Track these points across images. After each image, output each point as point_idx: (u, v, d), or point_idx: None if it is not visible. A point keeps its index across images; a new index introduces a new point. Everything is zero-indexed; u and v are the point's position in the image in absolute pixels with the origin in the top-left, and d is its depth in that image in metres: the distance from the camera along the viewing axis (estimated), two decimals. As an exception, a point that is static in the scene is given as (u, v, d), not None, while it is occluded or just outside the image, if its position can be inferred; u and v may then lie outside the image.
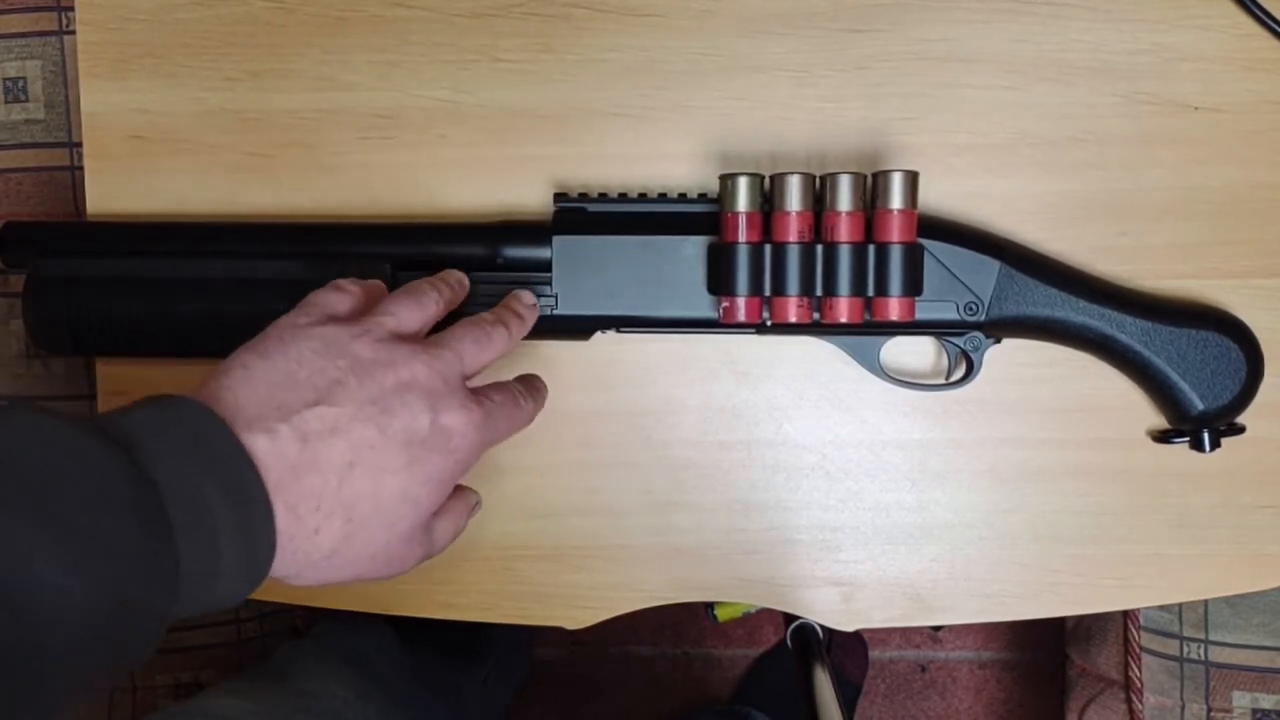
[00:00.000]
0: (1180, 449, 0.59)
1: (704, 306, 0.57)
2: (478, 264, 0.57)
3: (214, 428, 0.40)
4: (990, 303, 0.56)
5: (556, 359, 0.61)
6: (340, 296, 0.48)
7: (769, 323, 0.56)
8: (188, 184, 0.61)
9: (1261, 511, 0.61)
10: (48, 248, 0.57)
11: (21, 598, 0.32)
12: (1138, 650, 0.79)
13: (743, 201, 0.54)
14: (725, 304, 0.55)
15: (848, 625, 0.62)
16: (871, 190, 0.54)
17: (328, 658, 0.75)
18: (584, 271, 0.57)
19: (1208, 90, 0.59)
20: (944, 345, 0.60)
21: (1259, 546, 0.61)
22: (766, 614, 1.25)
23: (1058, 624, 0.99)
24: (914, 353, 0.61)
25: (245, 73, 0.61)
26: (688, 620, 1.27)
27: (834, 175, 0.54)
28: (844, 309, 0.54)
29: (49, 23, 0.73)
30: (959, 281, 0.56)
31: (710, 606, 1.25)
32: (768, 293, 0.55)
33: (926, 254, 0.55)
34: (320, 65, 0.61)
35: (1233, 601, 0.76)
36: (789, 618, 1.21)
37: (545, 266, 0.57)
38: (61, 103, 0.73)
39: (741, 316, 0.55)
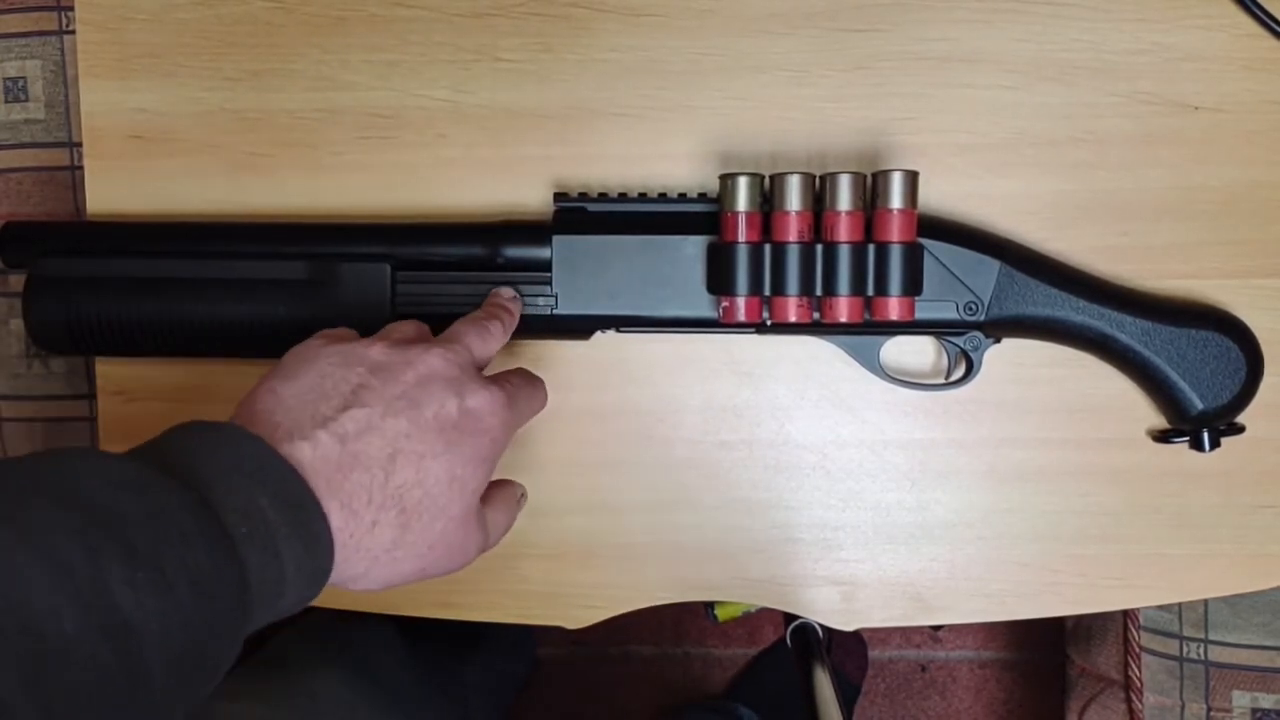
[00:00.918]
0: (1180, 449, 0.59)
1: (704, 306, 0.57)
2: (478, 264, 0.57)
3: (256, 446, 0.42)
4: (990, 302, 0.56)
5: (557, 359, 0.61)
6: (342, 330, 0.50)
7: (769, 322, 0.56)
8: (187, 184, 0.61)
9: (1261, 511, 0.61)
10: (48, 247, 0.57)
11: (130, 635, 0.34)
12: (1138, 650, 0.79)
13: (743, 201, 0.54)
14: (725, 304, 0.55)
15: (848, 625, 0.62)
16: (871, 190, 0.54)
17: (331, 656, 0.75)
18: (584, 271, 0.57)
19: (1208, 90, 0.59)
20: (944, 345, 0.60)
21: (1259, 546, 0.61)
22: (766, 613, 1.25)
23: (1058, 624, 0.99)
24: (914, 352, 0.61)
25: (245, 72, 0.61)
26: (688, 620, 1.27)
27: (834, 175, 0.54)
28: (844, 309, 0.54)
29: (49, 22, 0.73)
30: (959, 281, 0.56)
31: (710, 606, 1.25)
32: (768, 292, 0.54)
33: (926, 254, 0.55)
34: (320, 65, 0.61)
35: (1232, 601, 0.76)
36: (789, 617, 1.22)
37: (545, 266, 0.57)
38: (61, 102, 0.73)
39: (741, 316, 0.55)
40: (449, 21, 0.60)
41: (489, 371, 0.51)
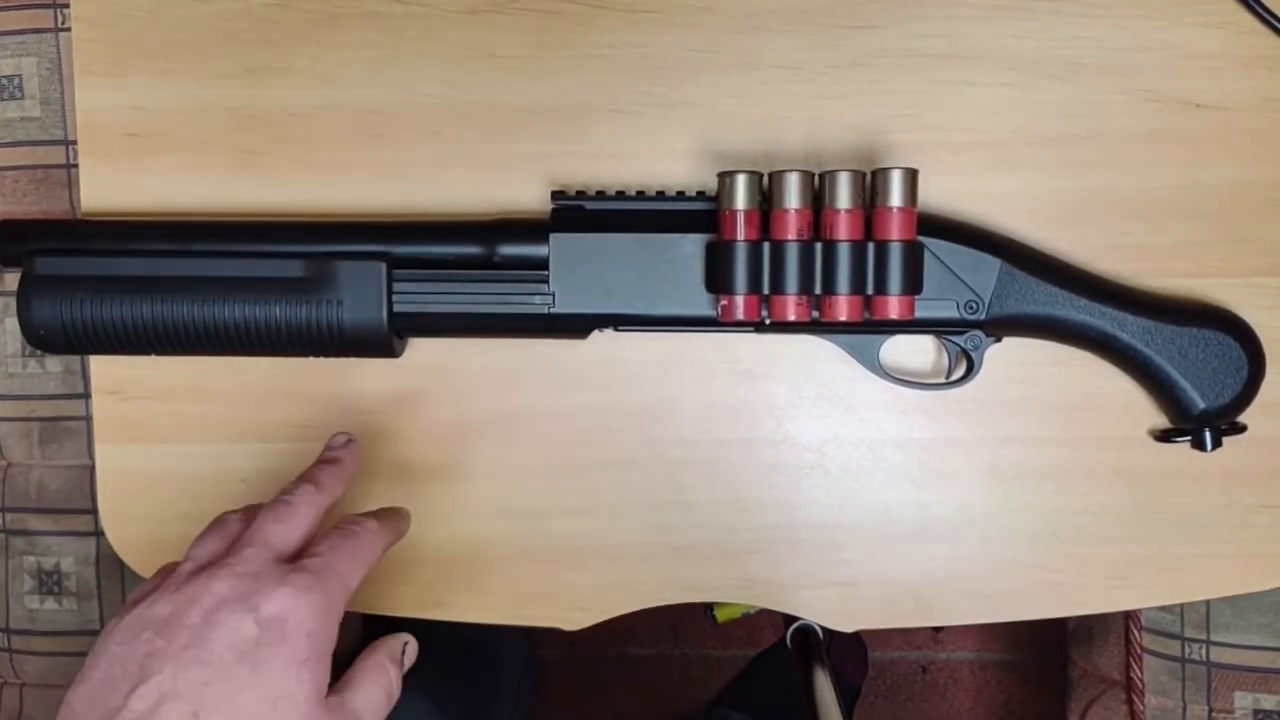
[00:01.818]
0: (1182, 448, 0.59)
1: (702, 305, 0.56)
2: (474, 262, 0.57)
3: None
4: (991, 301, 0.56)
5: (554, 358, 0.61)
6: (153, 579, 0.49)
7: (768, 321, 0.55)
8: (183, 181, 0.61)
9: (1263, 511, 0.60)
10: (43, 246, 0.57)
11: None
12: (1139, 651, 0.79)
13: (741, 199, 0.54)
14: (724, 302, 0.55)
15: (848, 626, 0.62)
16: (871, 188, 0.54)
17: None
18: (581, 269, 0.56)
19: (1210, 88, 0.59)
20: (944, 344, 0.60)
21: (1261, 546, 0.60)
22: (766, 615, 1.25)
23: (1059, 624, 0.99)
24: (914, 351, 0.61)
25: (241, 70, 0.61)
26: (687, 621, 1.27)
27: (833, 173, 0.53)
28: (843, 307, 0.54)
29: (44, 20, 0.73)
30: (959, 280, 0.56)
31: (709, 607, 1.25)
32: (766, 291, 0.54)
33: (926, 252, 0.55)
34: (316, 62, 0.60)
35: (1234, 602, 0.76)
36: (788, 619, 1.21)
37: (542, 264, 0.56)
38: (57, 100, 0.73)
39: (740, 315, 0.54)
40: (445, 18, 0.60)
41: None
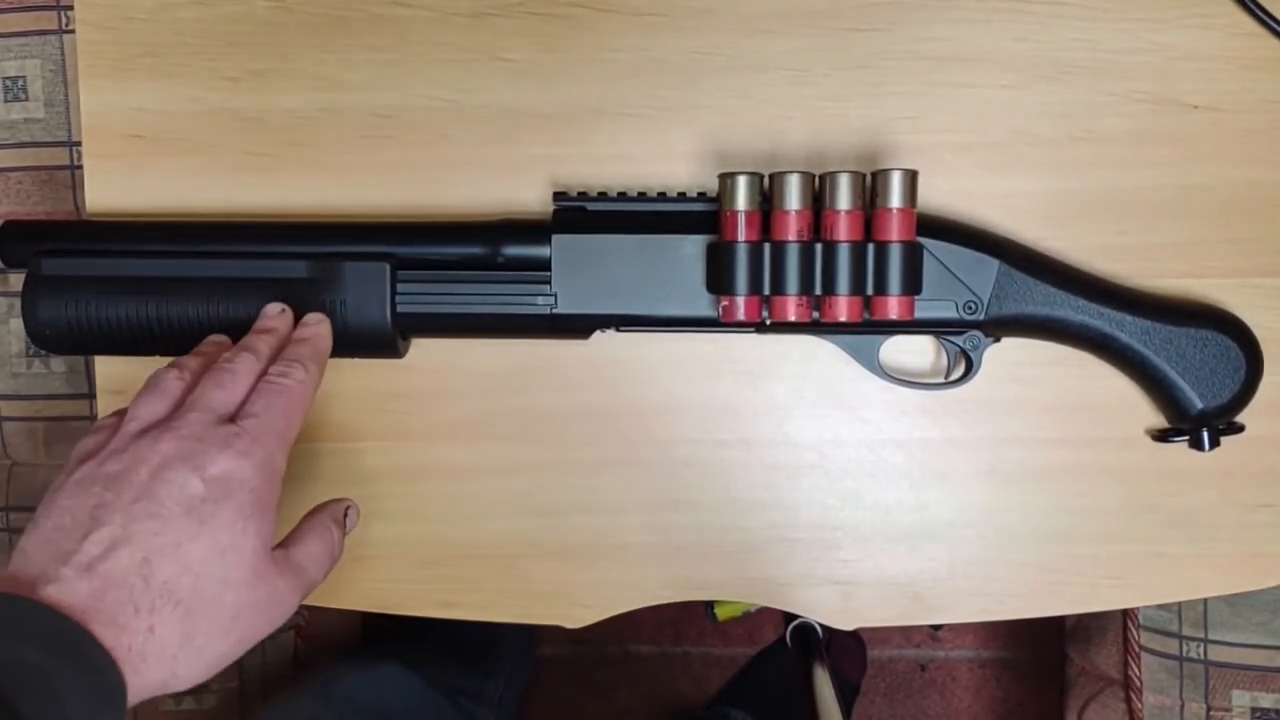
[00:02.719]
0: (1179, 448, 0.59)
1: (704, 305, 0.57)
2: (478, 263, 0.57)
3: (13, 602, 0.43)
4: (989, 301, 0.56)
5: (556, 358, 0.61)
6: (95, 436, 0.50)
7: (768, 321, 0.56)
8: (187, 183, 0.61)
9: (1261, 510, 0.61)
10: (47, 247, 0.57)
11: None
12: (1137, 649, 0.79)
13: (742, 200, 0.54)
14: (725, 303, 0.55)
15: (847, 624, 0.63)
16: (871, 189, 0.54)
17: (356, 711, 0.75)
18: (584, 270, 0.57)
19: (1206, 89, 0.59)
20: (943, 344, 0.60)
21: (1258, 545, 0.61)
22: (766, 613, 1.26)
23: (1057, 623, 0.99)
24: (913, 352, 0.61)
25: (245, 72, 0.61)
26: (688, 619, 1.28)
27: (833, 174, 0.54)
28: (843, 308, 0.54)
29: (49, 22, 0.73)
30: (958, 280, 0.56)
31: (710, 605, 1.25)
32: (767, 291, 0.55)
33: (926, 253, 0.55)
34: (320, 64, 0.61)
35: (1232, 600, 0.76)
36: (788, 617, 1.22)
37: (545, 265, 0.57)
38: (61, 101, 0.73)
39: (741, 315, 0.55)
40: (449, 21, 0.60)
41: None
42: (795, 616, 1.18)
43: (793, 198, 0.54)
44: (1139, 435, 0.61)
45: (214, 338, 0.55)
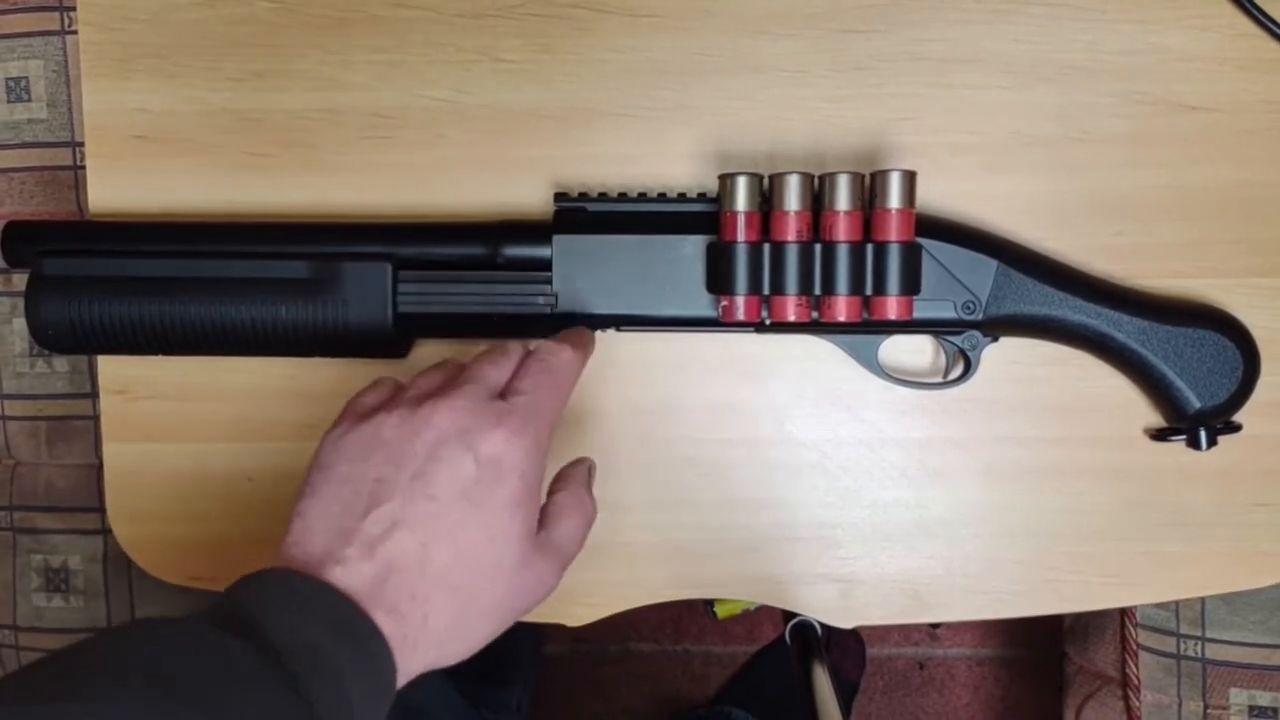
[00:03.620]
0: (1177, 447, 0.59)
1: (703, 305, 0.57)
2: (478, 263, 0.57)
3: (299, 580, 0.42)
4: (988, 301, 0.57)
5: (557, 357, 0.61)
6: (374, 392, 0.50)
7: (768, 321, 0.56)
8: (189, 183, 0.61)
9: (1258, 509, 0.61)
10: (50, 247, 0.58)
11: None
12: (1135, 647, 0.79)
13: (742, 201, 0.54)
14: (724, 303, 0.55)
15: (846, 622, 0.63)
16: (870, 189, 0.54)
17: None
18: (584, 270, 0.57)
19: (1204, 90, 0.59)
20: (942, 344, 0.60)
21: (1256, 544, 0.61)
22: (766, 611, 1.26)
23: (1055, 621, 0.99)
24: (912, 351, 0.61)
25: (247, 73, 0.61)
26: (688, 617, 1.28)
27: (832, 175, 0.54)
28: (842, 308, 0.54)
29: (51, 22, 0.73)
30: (957, 280, 0.56)
31: (710, 603, 1.26)
32: (767, 291, 0.55)
33: (924, 253, 0.56)
34: (321, 65, 0.61)
35: (1229, 599, 0.76)
36: (788, 615, 1.22)
37: (545, 265, 0.57)
38: (64, 102, 0.74)
39: (741, 315, 0.55)
40: (450, 22, 0.60)
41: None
42: (794, 615, 1.19)
43: (792, 198, 0.54)
44: (1137, 435, 0.61)
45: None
